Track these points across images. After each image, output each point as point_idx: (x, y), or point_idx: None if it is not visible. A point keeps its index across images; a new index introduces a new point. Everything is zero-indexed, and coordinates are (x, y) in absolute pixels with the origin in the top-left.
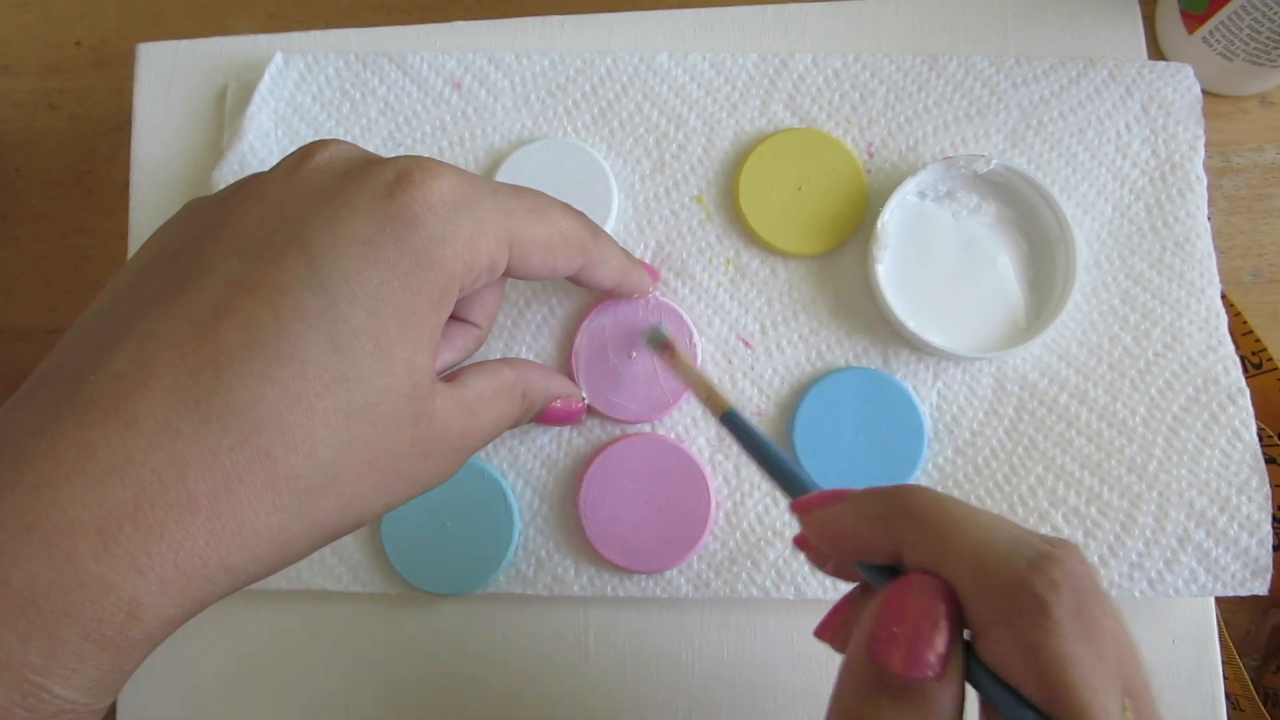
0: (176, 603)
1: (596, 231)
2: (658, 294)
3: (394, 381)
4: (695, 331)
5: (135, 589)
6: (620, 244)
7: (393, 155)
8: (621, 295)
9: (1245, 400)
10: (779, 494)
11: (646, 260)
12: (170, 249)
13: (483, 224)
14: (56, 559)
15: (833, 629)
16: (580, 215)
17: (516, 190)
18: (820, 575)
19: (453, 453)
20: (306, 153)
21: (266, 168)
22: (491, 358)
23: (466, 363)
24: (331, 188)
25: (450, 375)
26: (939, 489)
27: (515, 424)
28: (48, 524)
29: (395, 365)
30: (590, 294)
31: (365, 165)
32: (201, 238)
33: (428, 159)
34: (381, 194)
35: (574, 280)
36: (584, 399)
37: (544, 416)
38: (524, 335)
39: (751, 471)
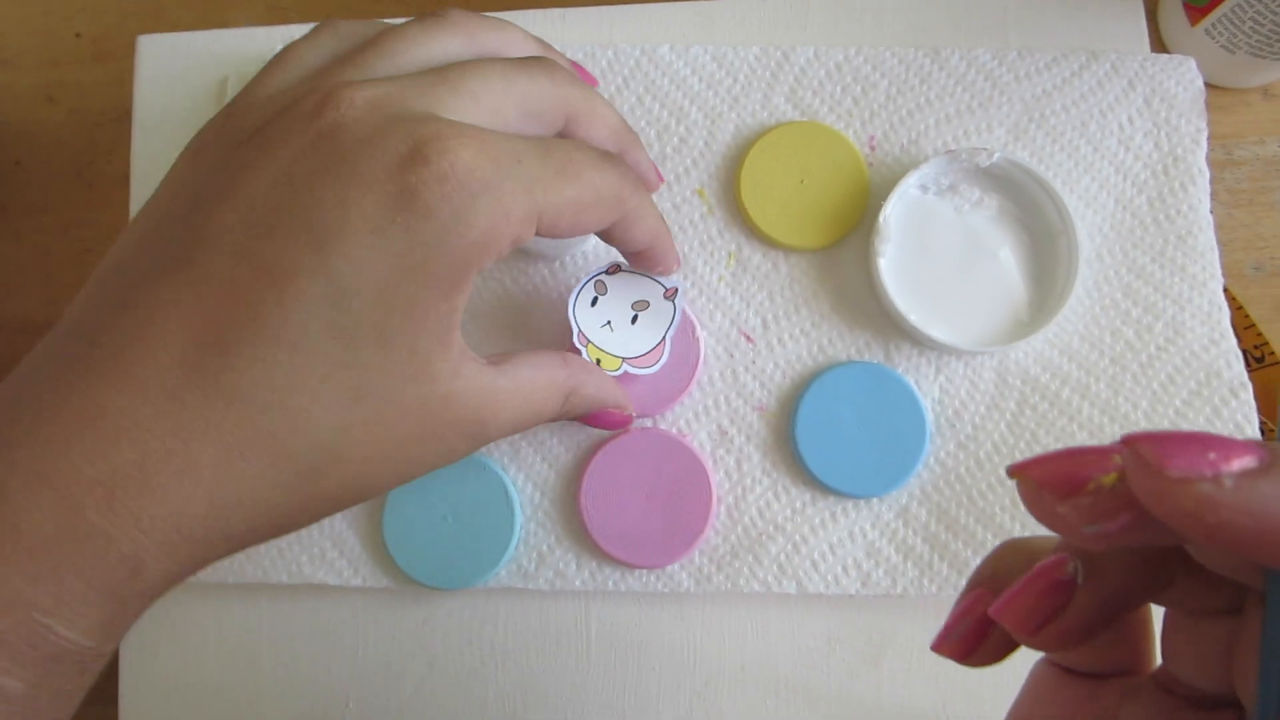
0: (177, 561)
1: (635, 185)
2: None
3: (398, 369)
4: (697, 325)
5: (137, 546)
6: None
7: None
8: (650, 262)
9: (1247, 394)
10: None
11: None
12: (182, 200)
13: (504, 204)
14: (65, 510)
15: (975, 649)
16: (618, 165)
17: (545, 149)
18: (823, 570)
19: (466, 438)
20: (326, 98)
21: None
22: (530, 348)
23: None
24: (345, 158)
25: (500, 357)
26: (940, 483)
27: (552, 420)
28: (58, 476)
29: (399, 354)
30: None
31: (383, 127)
32: (210, 200)
33: (447, 123)
34: (395, 169)
35: (604, 237)
36: (633, 413)
37: (590, 419)
38: (524, 323)
39: (753, 466)
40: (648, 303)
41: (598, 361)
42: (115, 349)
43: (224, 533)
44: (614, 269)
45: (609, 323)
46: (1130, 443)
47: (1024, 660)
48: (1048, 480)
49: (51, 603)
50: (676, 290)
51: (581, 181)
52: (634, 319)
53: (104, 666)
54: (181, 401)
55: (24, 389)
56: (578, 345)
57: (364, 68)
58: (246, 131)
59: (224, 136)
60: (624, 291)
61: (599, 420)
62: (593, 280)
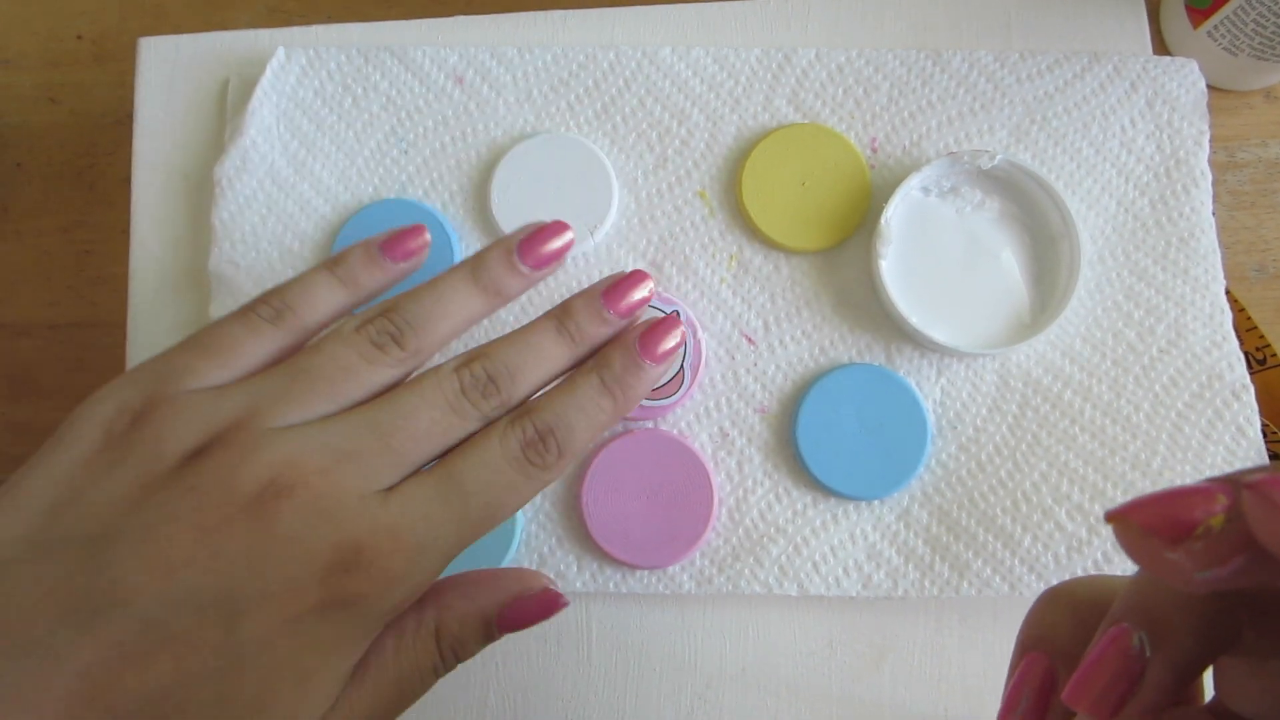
0: None
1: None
2: (660, 289)
3: None
4: (699, 327)
5: None
6: (622, 239)
7: (393, 156)
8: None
9: (1249, 396)
10: (783, 490)
11: (649, 256)
12: (77, 520)
13: (430, 574)
14: None
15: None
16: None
17: (458, 497)
18: (824, 572)
19: None
20: (272, 489)
21: (269, 163)
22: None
23: None
24: (280, 554)
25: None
26: (942, 486)
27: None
28: None
29: None
30: (553, 267)
31: (314, 526)
32: (121, 548)
33: (381, 528)
34: (324, 573)
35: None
36: (550, 588)
37: (506, 622)
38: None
39: (754, 467)
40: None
41: None
42: (6, 704)
43: None
44: None
45: None
46: (1249, 485)
47: None
48: (1155, 525)
49: None
50: (677, 315)
51: (502, 510)
52: None
53: None
54: None
55: None
56: None
57: (304, 403)
58: (170, 455)
59: (144, 449)
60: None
61: (514, 615)
62: None
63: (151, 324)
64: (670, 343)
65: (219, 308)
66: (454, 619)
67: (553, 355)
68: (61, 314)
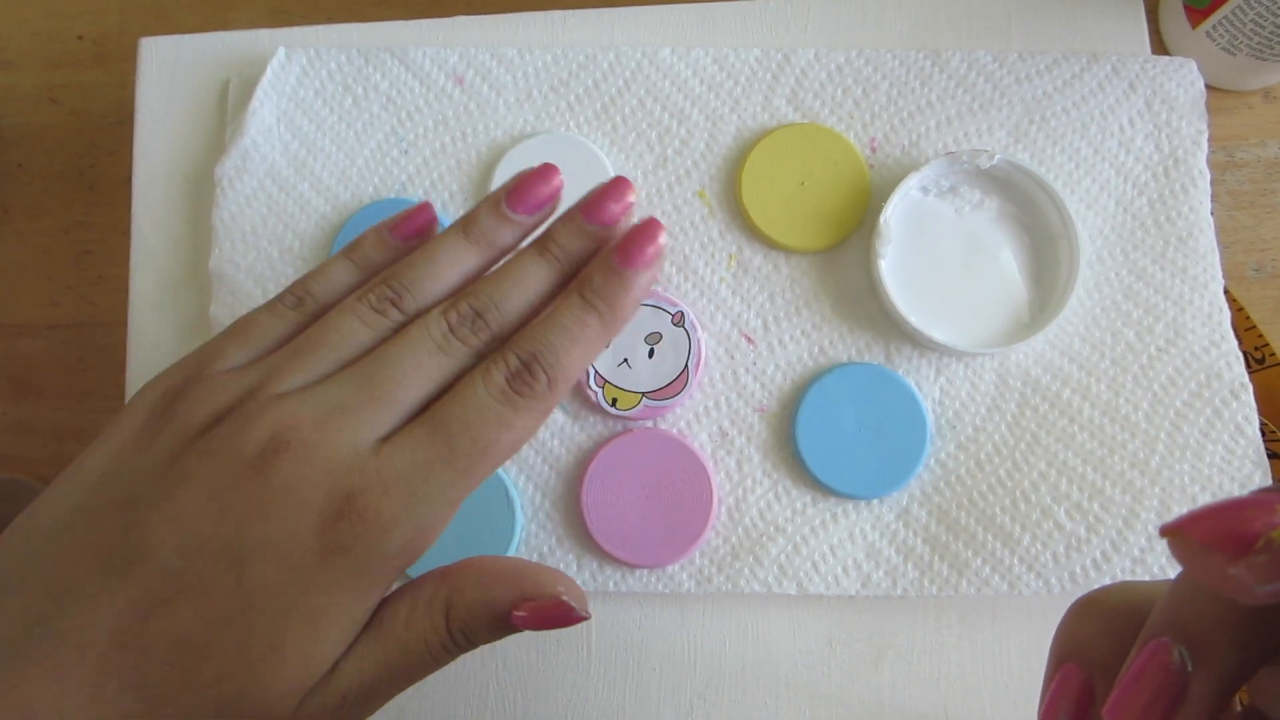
0: None
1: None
2: (660, 289)
3: (277, 683)
4: (698, 327)
5: None
6: None
7: (394, 156)
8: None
9: (1248, 395)
10: (781, 489)
11: None
12: (123, 484)
13: (429, 519)
14: None
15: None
16: (509, 401)
17: (449, 449)
18: (823, 571)
19: None
20: (271, 446)
21: (269, 163)
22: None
23: None
24: (279, 505)
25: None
26: (941, 485)
27: (449, 659)
28: None
29: (286, 666)
30: (545, 211)
31: (311, 479)
32: (149, 508)
33: (371, 473)
34: (320, 521)
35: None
36: (570, 600)
37: (523, 621)
38: None
39: (754, 467)
40: (660, 334)
41: (613, 401)
42: (47, 644)
43: None
44: None
45: (625, 360)
46: None
47: (1024, 662)
48: (1215, 540)
49: None
50: (683, 315)
51: (496, 446)
52: (650, 352)
53: None
54: (102, 696)
55: None
56: (593, 388)
57: (307, 368)
58: (195, 426)
59: (176, 423)
60: (632, 326)
61: (529, 617)
62: None
63: (152, 324)
64: (650, 246)
65: (219, 307)
66: (464, 604)
67: (538, 279)
68: (62, 314)
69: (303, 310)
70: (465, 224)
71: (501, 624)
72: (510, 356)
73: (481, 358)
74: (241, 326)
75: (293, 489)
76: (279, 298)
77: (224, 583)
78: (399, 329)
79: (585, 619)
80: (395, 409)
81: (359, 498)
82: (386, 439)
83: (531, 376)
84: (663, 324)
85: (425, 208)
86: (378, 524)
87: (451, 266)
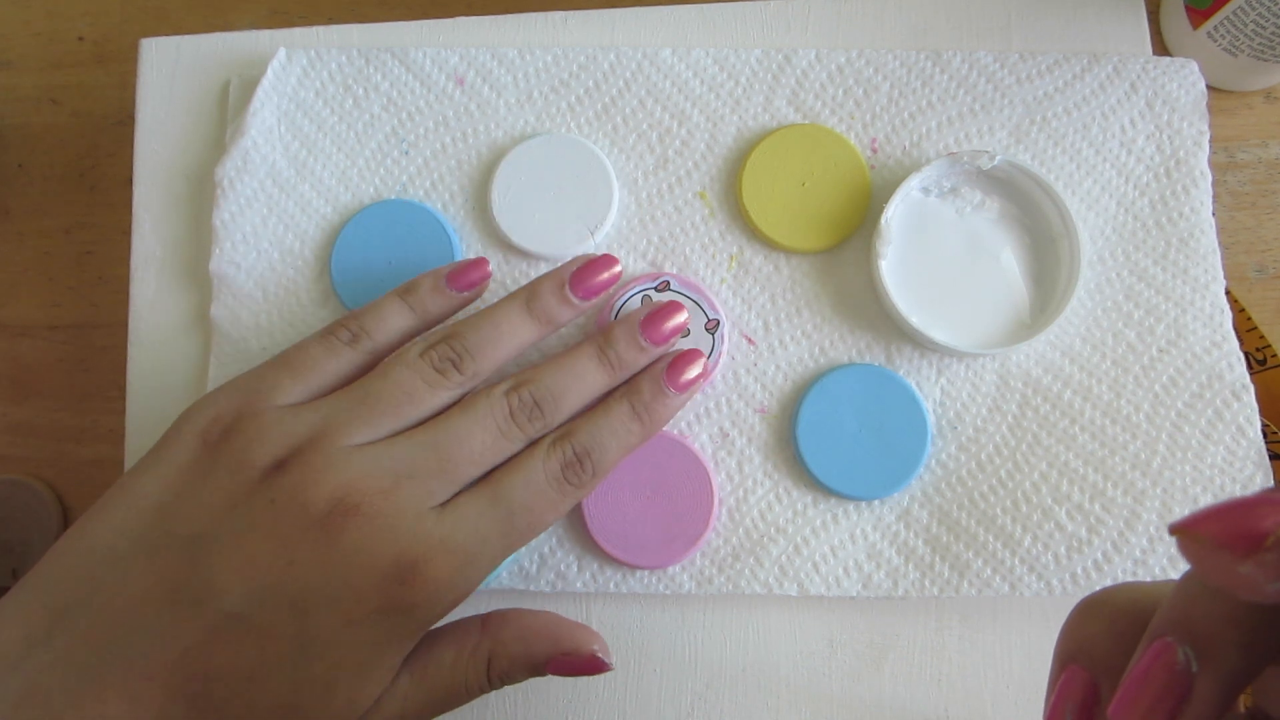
0: None
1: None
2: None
3: (327, 716)
4: (727, 340)
5: None
6: (623, 240)
7: (394, 157)
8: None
9: (1249, 396)
10: (783, 490)
11: (649, 257)
12: (180, 520)
13: (475, 582)
14: None
15: None
16: (546, 471)
17: (506, 515)
18: (824, 572)
19: None
20: (340, 509)
21: (270, 164)
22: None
23: None
24: (345, 566)
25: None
26: (942, 486)
27: (482, 692)
28: None
29: (335, 702)
30: (601, 297)
31: (376, 538)
32: (215, 550)
33: (435, 540)
34: (383, 583)
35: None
36: (602, 654)
37: (552, 667)
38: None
39: (754, 468)
40: (688, 330)
41: None
42: (118, 666)
43: None
44: (663, 285)
45: None
46: None
47: (1025, 663)
48: (1224, 538)
49: None
50: (719, 323)
51: (542, 525)
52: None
53: None
54: (169, 715)
55: (38, 693)
56: None
57: (371, 424)
58: (256, 466)
59: (235, 458)
60: None
61: (562, 667)
62: (640, 294)
63: (152, 325)
64: (692, 373)
65: (220, 308)
66: (506, 656)
67: (593, 381)
68: (62, 315)
69: (358, 348)
70: (529, 299)
71: (537, 673)
72: (567, 448)
73: (529, 442)
74: (294, 358)
75: (360, 551)
76: (333, 330)
77: (286, 629)
78: (458, 392)
79: (611, 669)
80: (458, 481)
81: (422, 566)
82: (446, 503)
83: (581, 468)
84: (695, 323)
85: (482, 263)
86: (435, 589)
87: (511, 337)
